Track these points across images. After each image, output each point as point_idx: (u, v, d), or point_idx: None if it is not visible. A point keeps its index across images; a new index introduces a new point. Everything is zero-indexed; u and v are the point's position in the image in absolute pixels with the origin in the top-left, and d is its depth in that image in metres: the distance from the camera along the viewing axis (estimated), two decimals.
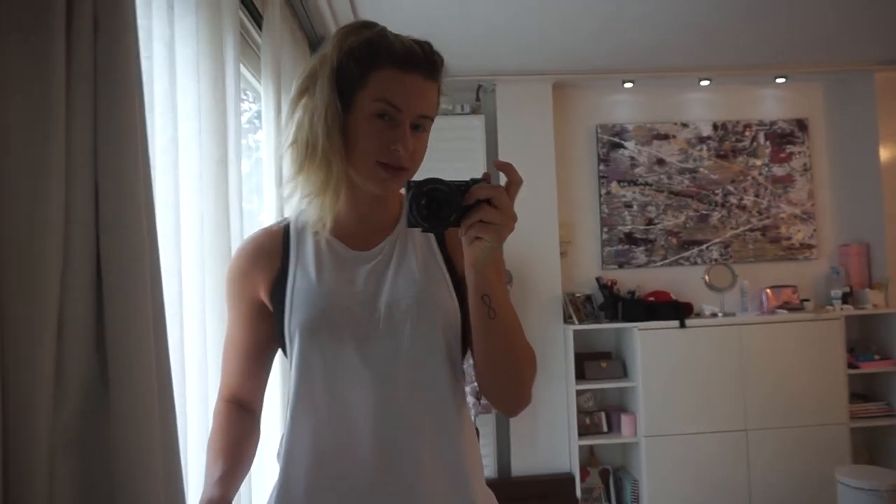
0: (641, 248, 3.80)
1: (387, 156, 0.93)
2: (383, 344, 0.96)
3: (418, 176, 0.86)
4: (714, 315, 3.55)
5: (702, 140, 3.86)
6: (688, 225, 3.83)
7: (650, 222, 3.81)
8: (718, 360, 3.39)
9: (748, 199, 3.86)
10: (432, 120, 0.98)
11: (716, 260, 3.80)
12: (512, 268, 3.43)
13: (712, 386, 3.38)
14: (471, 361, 1.01)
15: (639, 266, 3.80)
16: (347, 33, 0.96)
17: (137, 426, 0.74)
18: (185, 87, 1.26)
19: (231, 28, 1.50)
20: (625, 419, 3.43)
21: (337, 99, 0.94)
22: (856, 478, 2.91)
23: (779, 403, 3.38)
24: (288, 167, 1.00)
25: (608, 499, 3.60)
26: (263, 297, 1.02)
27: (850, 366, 3.47)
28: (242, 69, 1.88)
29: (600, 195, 3.81)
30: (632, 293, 3.60)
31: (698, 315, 3.60)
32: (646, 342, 3.39)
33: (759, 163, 3.87)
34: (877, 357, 3.56)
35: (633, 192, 3.82)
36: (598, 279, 3.67)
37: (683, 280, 3.77)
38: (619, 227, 3.80)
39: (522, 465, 3.55)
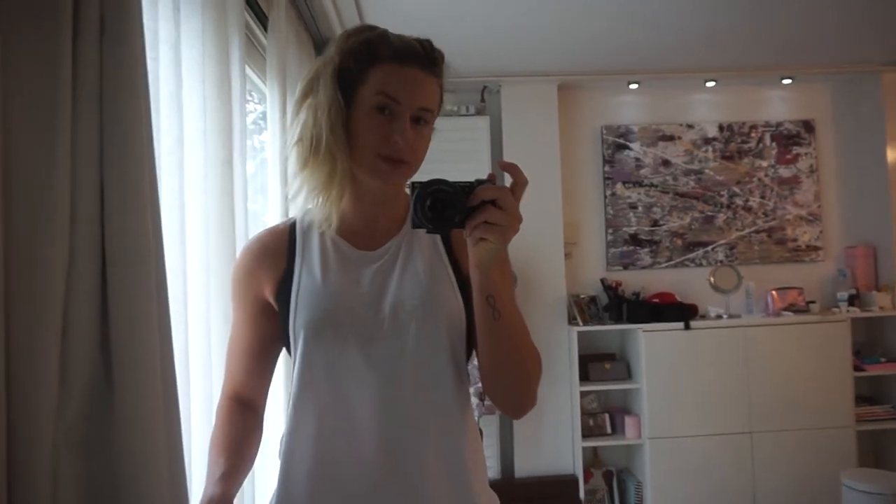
0: (646, 250, 3.79)
1: (386, 148, 0.93)
2: (388, 344, 0.96)
3: (423, 177, 0.86)
4: (719, 317, 3.54)
5: (707, 141, 3.85)
6: (693, 226, 3.82)
7: (655, 224, 3.80)
8: (723, 362, 3.38)
9: (754, 201, 3.84)
10: (433, 113, 0.98)
11: (721, 261, 3.79)
12: (516, 269, 3.42)
13: (717, 388, 3.36)
14: (475, 363, 1.01)
15: (643, 267, 3.79)
16: (349, 35, 0.99)
17: (142, 427, 0.74)
18: (191, 89, 1.26)
19: (237, 29, 1.50)
20: (629, 421, 3.42)
21: (339, 95, 0.95)
22: (861, 481, 2.89)
23: (784, 406, 3.37)
24: (293, 165, 1.01)
25: (612, 501, 3.59)
26: (269, 296, 1.02)
27: (856, 368, 3.45)
28: (248, 70, 1.88)
29: (605, 196, 3.81)
30: (636, 294, 3.59)
31: (703, 317, 3.59)
32: (650, 344, 3.38)
33: (765, 164, 3.86)
34: (883, 360, 3.54)
35: (638, 194, 3.81)
36: (602, 280, 3.67)
37: (688, 282, 3.76)
38: (624, 229, 3.79)
39: (526, 466, 3.55)
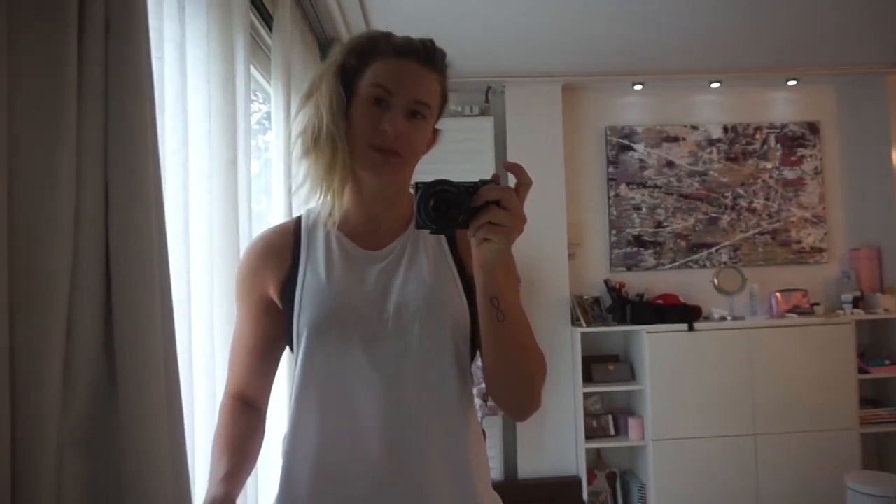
0: (650, 251, 3.78)
1: (377, 138, 0.94)
2: (392, 344, 0.96)
3: (427, 177, 0.86)
4: (723, 318, 3.53)
5: (712, 142, 3.84)
6: (697, 228, 3.81)
7: (659, 225, 3.80)
8: (727, 363, 3.37)
9: (758, 203, 3.83)
10: (430, 108, 0.98)
11: (725, 263, 3.78)
12: (519, 270, 3.41)
13: (721, 390, 3.35)
14: (479, 363, 1.01)
15: (647, 269, 3.78)
16: (353, 38, 1.02)
17: (145, 426, 0.74)
18: (196, 89, 1.26)
19: (241, 29, 1.50)
20: (632, 422, 3.42)
21: (341, 89, 0.97)
22: (865, 484, 2.88)
23: (788, 408, 3.36)
24: (297, 153, 1.02)
25: (615, 502, 3.58)
26: (273, 294, 1.02)
27: (861, 371, 3.44)
28: (252, 70, 1.89)
29: (609, 197, 3.80)
30: (640, 296, 3.59)
31: (707, 318, 3.58)
32: (654, 345, 3.37)
33: (769, 166, 3.85)
34: (888, 362, 3.53)
35: (642, 195, 3.80)
36: (606, 282, 3.66)
37: (692, 283, 3.75)
38: (628, 230, 3.78)
39: (529, 467, 3.54)
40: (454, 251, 1.03)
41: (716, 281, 3.70)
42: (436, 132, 1.04)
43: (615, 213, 3.78)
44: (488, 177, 0.84)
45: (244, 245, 1.40)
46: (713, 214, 3.81)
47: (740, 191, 3.83)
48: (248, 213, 1.53)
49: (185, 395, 0.96)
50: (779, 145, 3.85)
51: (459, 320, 0.98)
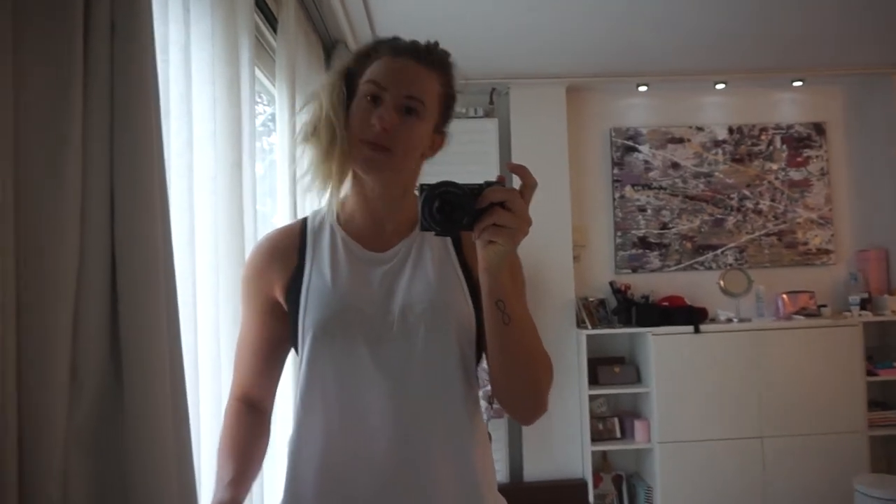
0: (655, 253, 3.77)
1: (367, 132, 0.95)
2: (396, 346, 0.96)
3: (432, 179, 0.86)
4: (729, 320, 3.51)
5: (717, 144, 3.83)
6: (702, 229, 3.79)
7: (664, 226, 3.78)
8: (733, 366, 3.36)
9: (764, 204, 3.82)
10: (425, 105, 0.97)
11: (731, 265, 3.77)
12: (525, 272, 3.40)
13: (727, 392, 3.34)
14: (484, 366, 1.00)
15: (653, 270, 3.77)
16: (361, 45, 1.06)
17: (151, 428, 0.75)
18: (201, 91, 1.26)
19: (246, 31, 1.51)
20: (638, 425, 3.40)
21: (343, 87, 0.99)
22: (874, 487, 2.86)
23: (795, 410, 3.34)
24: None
25: None
26: (278, 295, 1.02)
27: (869, 373, 3.41)
28: (257, 72, 1.89)
29: (614, 199, 3.79)
30: (646, 298, 3.57)
31: (713, 320, 3.56)
32: (660, 347, 3.36)
33: (775, 167, 3.83)
34: None
35: (648, 196, 3.79)
36: (611, 283, 3.65)
37: (698, 285, 3.74)
38: (633, 232, 3.78)
39: (535, 470, 3.53)
40: (460, 254, 1.03)
41: (722, 283, 3.68)
42: (443, 135, 1.04)
43: (620, 214, 3.78)
44: (493, 178, 0.84)
45: (249, 246, 1.40)
46: (719, 216, 3.80)
47: (746, 192, 3.81)
48: (253, 214, 1.53)
49: (191, 396, 0.96)
50: (785, 146, 3.84)
51: (464, 323, 0.98)
